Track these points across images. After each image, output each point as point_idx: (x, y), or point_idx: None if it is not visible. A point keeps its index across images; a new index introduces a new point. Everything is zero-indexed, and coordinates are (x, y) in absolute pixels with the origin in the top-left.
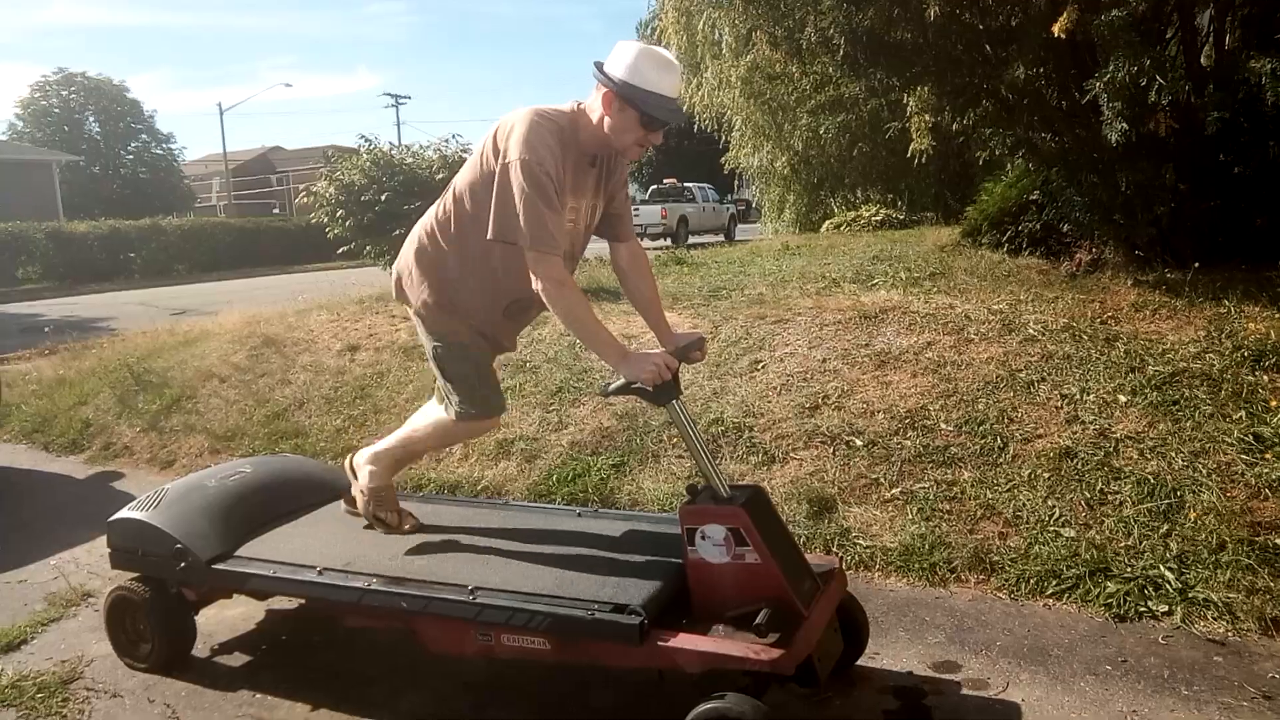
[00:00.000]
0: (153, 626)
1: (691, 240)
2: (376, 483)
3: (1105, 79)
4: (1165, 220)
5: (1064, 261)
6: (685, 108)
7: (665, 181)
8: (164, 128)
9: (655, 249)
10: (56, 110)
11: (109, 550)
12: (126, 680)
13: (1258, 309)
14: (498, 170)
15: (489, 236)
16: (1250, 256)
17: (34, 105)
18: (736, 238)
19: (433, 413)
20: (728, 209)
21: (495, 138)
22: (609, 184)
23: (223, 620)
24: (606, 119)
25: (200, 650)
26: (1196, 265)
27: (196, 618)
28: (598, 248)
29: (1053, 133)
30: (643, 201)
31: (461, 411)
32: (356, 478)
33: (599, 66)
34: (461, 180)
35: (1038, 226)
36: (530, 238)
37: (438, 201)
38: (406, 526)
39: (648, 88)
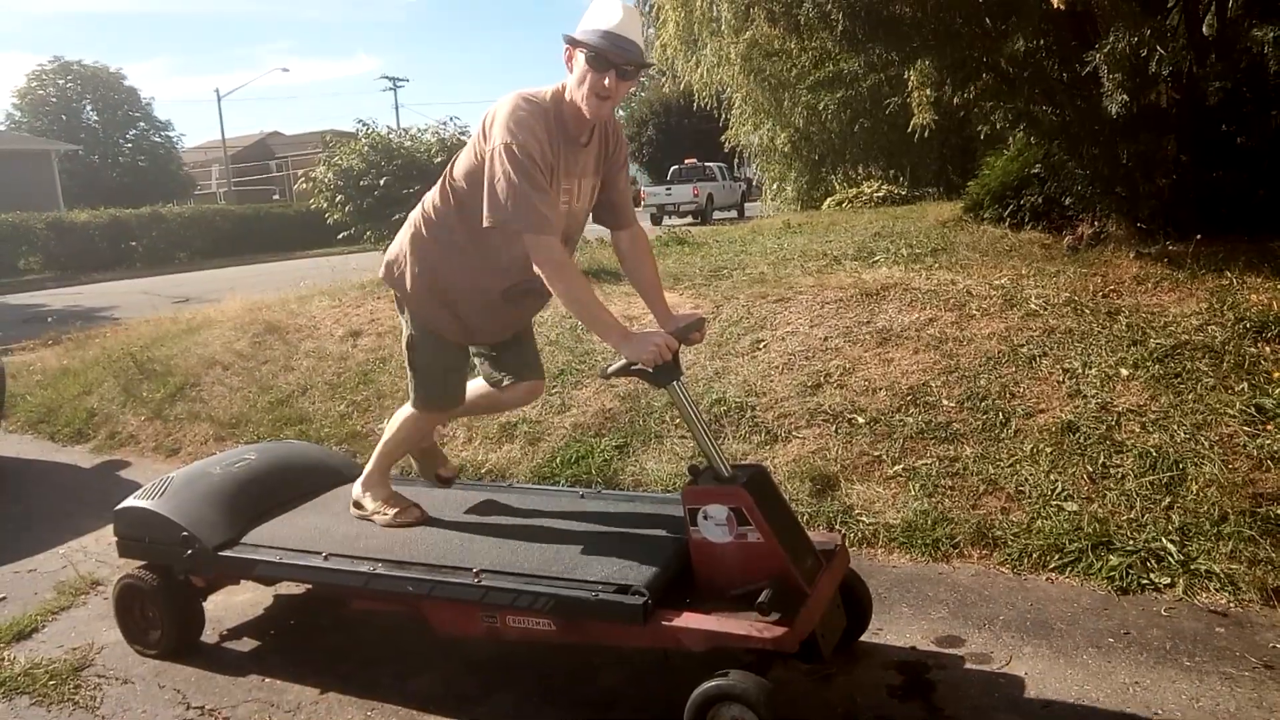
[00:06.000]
0: (161, 613)
1: (715, 215)
2: (382, 495)
3: (1106, 50)
4: (1167, 192)
5: (1066, 235)
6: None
7: (687, 161)
8: (161, 115)
9: (685, 225)
10: (54, 99)
11: (116, 539)
12: (137, 666)
13: (1260, 280)
14: (486, 157)
15: (485, 223)
16: (1253, 228)
17: (31, 94)
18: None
19: (398, 415)
20: (740, 186)
21: (484, 124)
22: (608, 164)
23: (231, 606)
24: (570, 79)
25: (209, 636)
26: (1199, 237)
27: (204, 604)
28: (594, 228)
29: (1054, 105)
30: (672, 181)
31: (415, 399)
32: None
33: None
34: (458, 165)
35: (1039, 200)
36: (522, 221)
37: (434, 187)
38: (418, 514)
39: (591, 27)
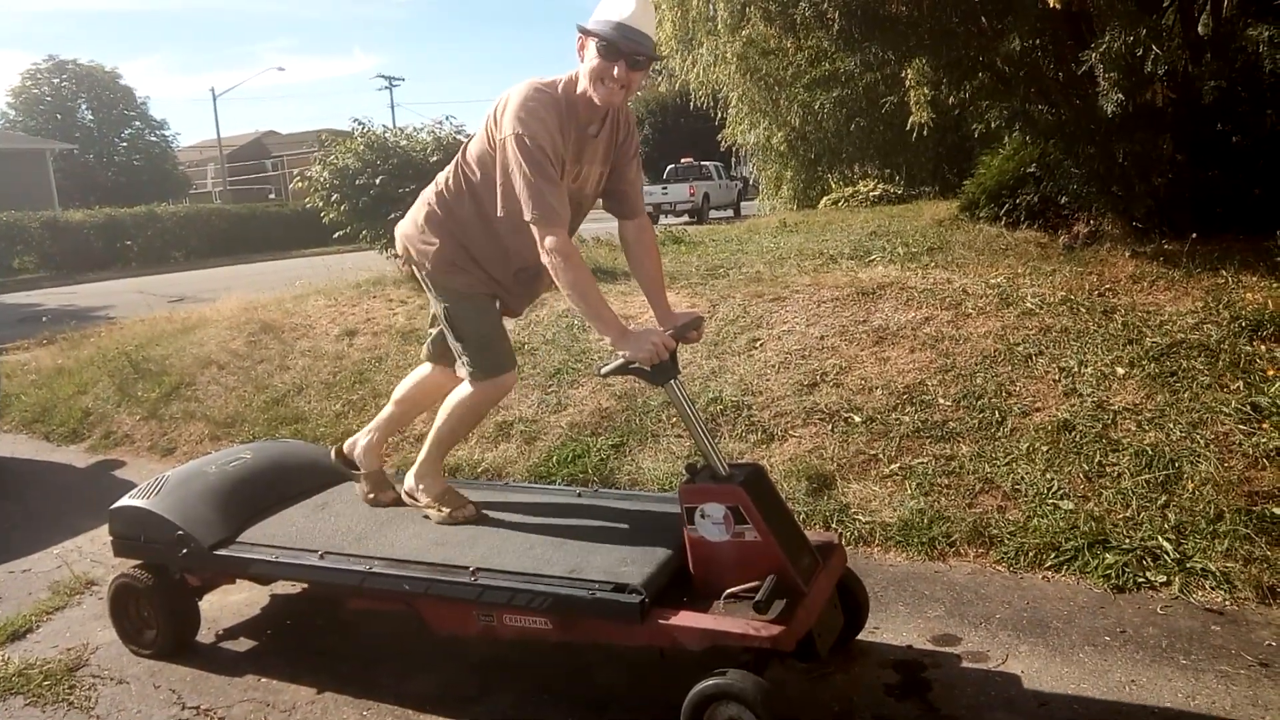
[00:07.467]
0: (157, 613)
1: (712, 214)
2: (435, 491)
3: (1101, 49)
4: (1163, 191)
5: (1062, 234)
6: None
7: (684, 160)
8: (157, 114)
9: (681, 224)
10: (48, 98)
11: (111, 538)
12: (132, 666)
13: (1255, 279)
14: (498, 146)
15: (499, 214)
16: (1248, 226)
17: (25, 93)
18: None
19: (452, 397)
20: (736, 185)
21: (495, 111)
22: (618, 153)
23: (226, 605)
24: (582, 68)
25: (204, 636)
26: (1194, 236)
27: (200, 603)
28: (594, 228)
29: (1050, 104)
30: (668, 180)
31: (473, 372)
32: (409, 493)
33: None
34: (471, 149)
35: (1035, 199)
36: (532, 211)
37: (448, 167)
38: (473, 511)
39: (603, 17)
